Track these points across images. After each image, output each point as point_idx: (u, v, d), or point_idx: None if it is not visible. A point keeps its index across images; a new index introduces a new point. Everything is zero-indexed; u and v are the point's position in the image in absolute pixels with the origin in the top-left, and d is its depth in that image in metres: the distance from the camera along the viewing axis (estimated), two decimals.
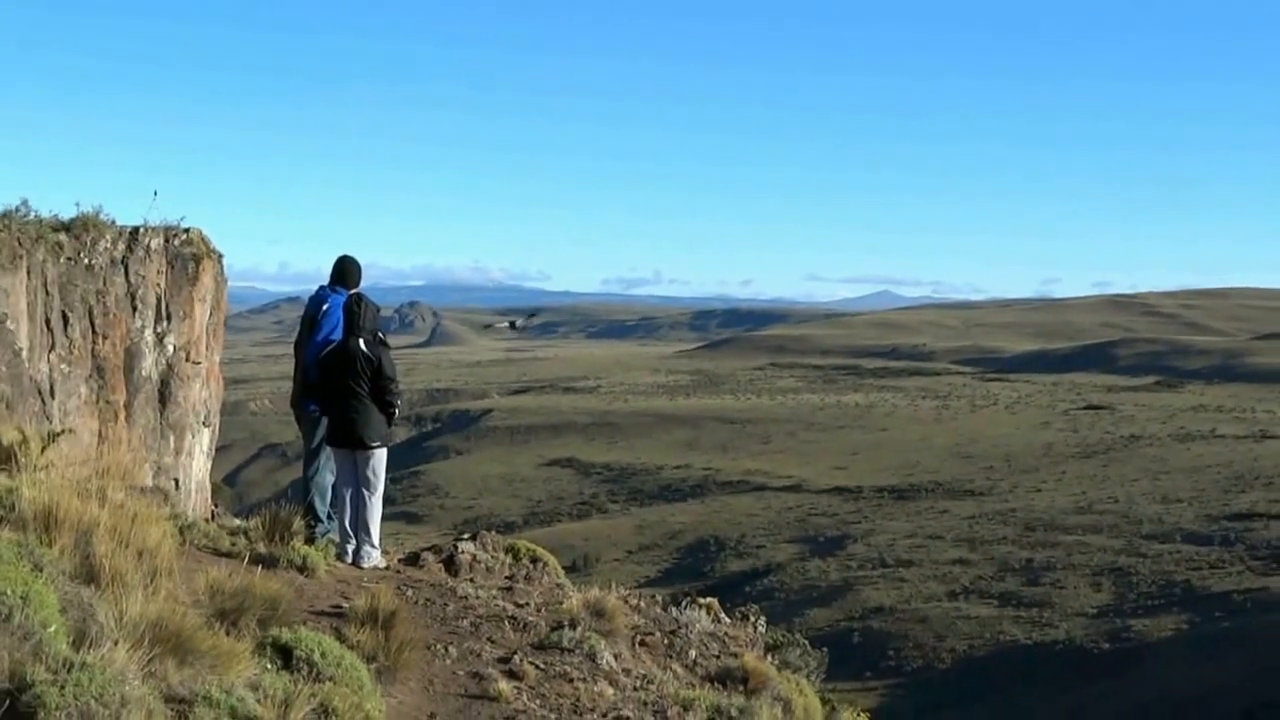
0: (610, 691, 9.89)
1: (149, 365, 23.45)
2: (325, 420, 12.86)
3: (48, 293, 21.06)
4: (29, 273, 20.44)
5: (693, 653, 12.22)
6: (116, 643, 6.65)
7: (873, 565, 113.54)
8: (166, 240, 23.90)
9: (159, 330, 23.73)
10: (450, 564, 13.12)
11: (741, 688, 11.19)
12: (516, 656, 10.10)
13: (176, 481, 23.09)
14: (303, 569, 11.00)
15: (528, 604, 11.87)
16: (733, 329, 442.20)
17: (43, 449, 9.98)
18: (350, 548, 12.46)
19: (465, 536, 14.46)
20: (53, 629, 6.56)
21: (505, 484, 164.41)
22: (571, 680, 9.92)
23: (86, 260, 22.28)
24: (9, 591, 6.48)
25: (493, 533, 14.83)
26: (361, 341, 12.45)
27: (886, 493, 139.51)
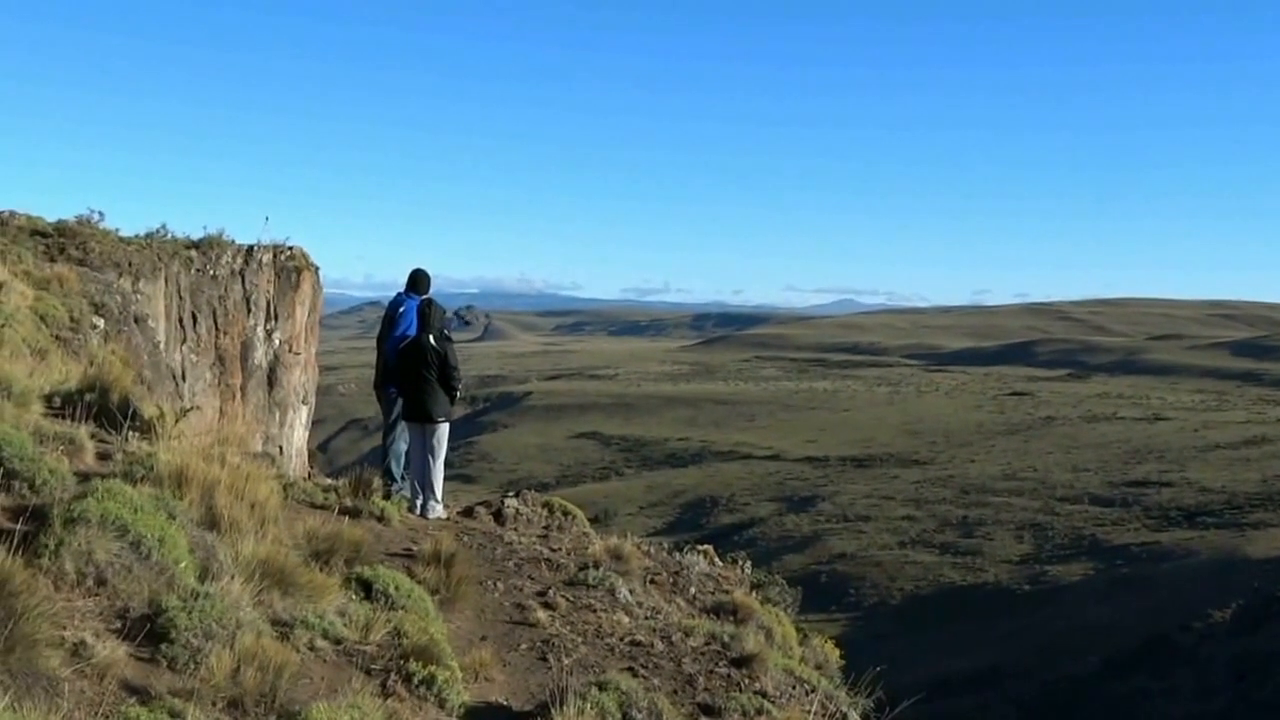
0: (626, 620, 9.90)
1: (260, 355, 23.55)
2: (401, 400, 12.92)
3: (181, 297, 21.18)
4: (166, 281, 20.57)
5: (693, 589, 12.23)
6: (233, 577, 6.71)
7: (837, 520, 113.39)
8: (275, 256, 24.01)
9: (268, 327, 23.83)
10: (498, 516, 13.14)
11: (732, 618, 11.19)
12: (551, 591, 10.11)
13: (281, 448, 23.19)
14: (380, 519, 11.03)
15: (560, 549, 11.88)
16: (725, 329, 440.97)
17: (176, 422, 10.02)
18: (418, 502, 12.49)
19: (510, 494, 14.46)
20: (183, 565, 6.62)
21: (542, 452, 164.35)
22: (595, 611, 9.93)
23: (211, 272, 22.39)
24: (149, 535, 6.53)
25: (532, 491, 14.83)
26: (431, 337, 12.51)
27: (848, 461, 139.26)
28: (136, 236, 21.49)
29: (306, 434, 26.05)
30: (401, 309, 13.26)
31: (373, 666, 6.89)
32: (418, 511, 12.38)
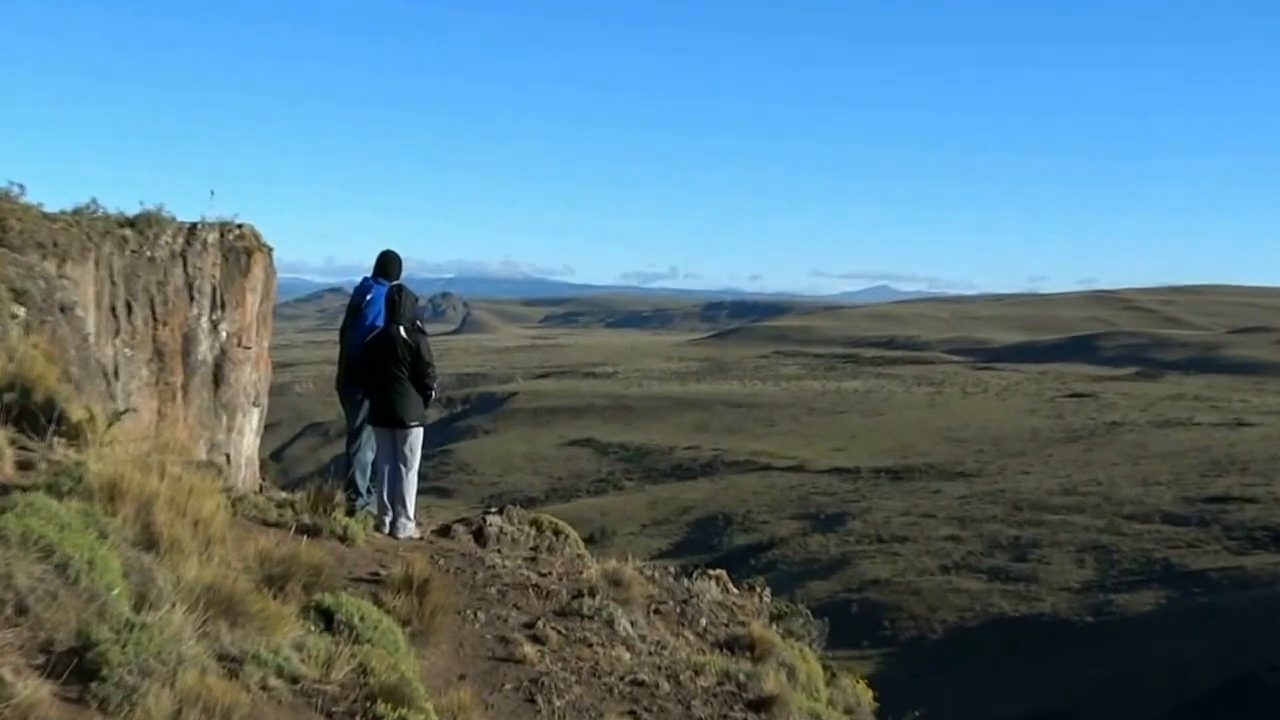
0: (627, 656, 9.91)
1: (204, 350, 23.56)
2: (367, 402, 12.93)
3: (113, 283, 21.18)
4: (97, 264, 20.56)
5: (703, 621, 12.24)
6: (174, 605, 6.71)
7: (869, 541, 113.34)
8: (221, 235, 24.02)
9: (214, 318, 23.84)
10: (479, 535, 13.16)
11: (749, 654, 11.21)
12: (540, 622, 10.13)
13: (228, 456, 23.22)
14: (344, 539, 11.04)
15: (550, 573, 11.89)
16: (740, 320, 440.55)
17: (108, 426, 10.03)
18: (387, 519, 12.51)
19: (492, 510, 14.49)
20: (116, 592, 6.62)
21: (529, 462, 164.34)
22: (591, 645, 9.95)
23: (149, 253, 22.40)
24: (77, 557, 6.53)
25: (517, 507, 14.86)
26: (402, 329, 12.52)
27: (883, 473, 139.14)
28: (63, 213, 21.47)
29: (258, 440, 26.08)
30: (368, 297, 13.28)
31: (335, 709, 6.89)
32: (386, 530, 12.40)
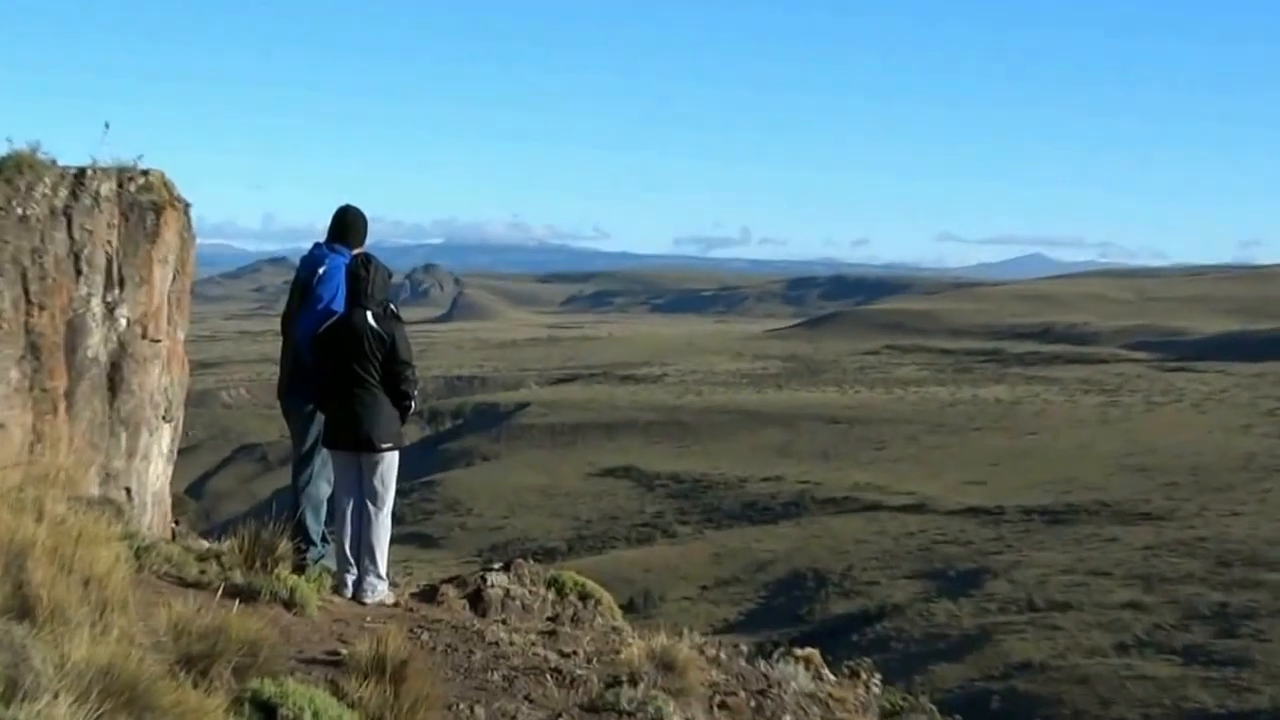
0: None
1: (96, 344, 23.61)
2: (321, 416, 12.93)
3: None
4: None
5: (787, 718, 12.25)
6: (57, 695, 6.73)
7: (1018, 608, 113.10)
8: (120, 185, 24.03)
9: (109, 300, 23.90)
10: (476, 600, 13.20)
11: None
12: (563, 719, 10.15)
13: (129, 491, 23.24)
14: (290, 604, 11.08)
15: (575, 653, 11.92)
16: (839, 302, 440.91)
17: None
18: (350, 578, 12.53)
19: (495, 566, 14.55)
20: None
21: (545, 499, 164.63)
22: None
23: (20, 210, 22.45)
24: None
25: (530, 561, 14.90)
26: (370, 315, 12.46)
27: (1036, 515, 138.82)
28: None
29: (169, 469, 26.15)
30: (322, 271, 13.30)
31: None
32: (349, 593, 12.44)
